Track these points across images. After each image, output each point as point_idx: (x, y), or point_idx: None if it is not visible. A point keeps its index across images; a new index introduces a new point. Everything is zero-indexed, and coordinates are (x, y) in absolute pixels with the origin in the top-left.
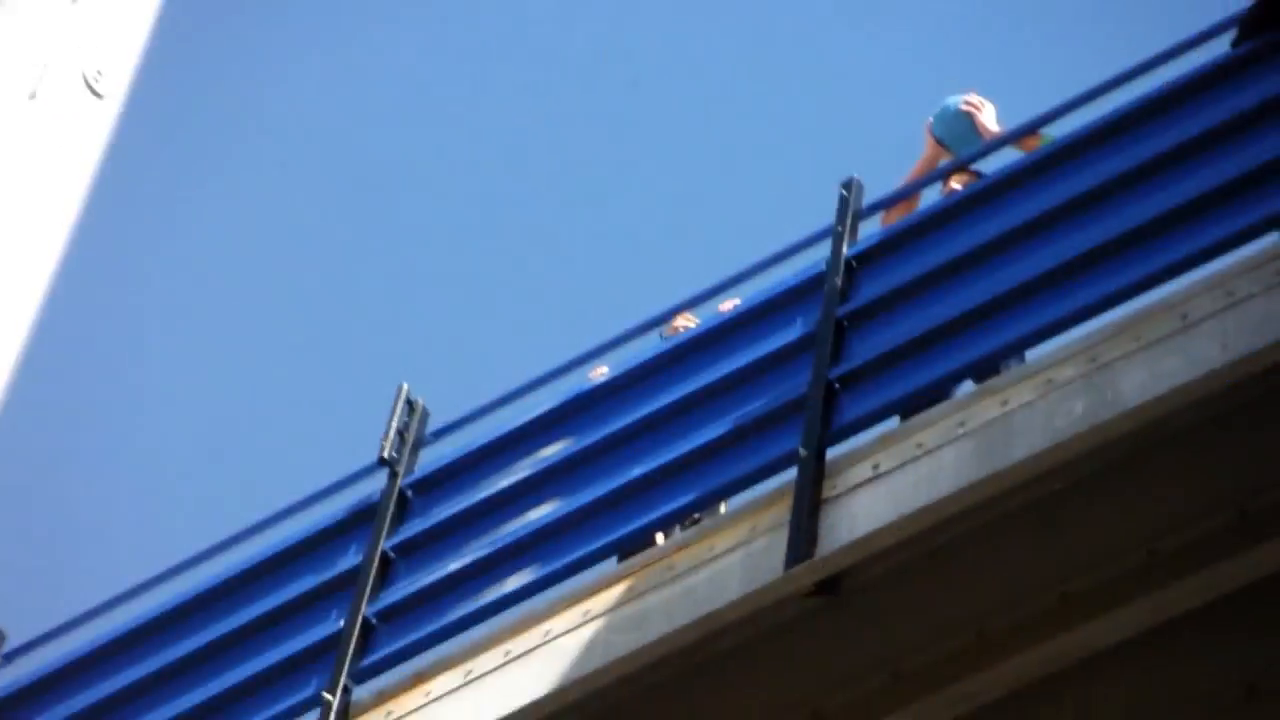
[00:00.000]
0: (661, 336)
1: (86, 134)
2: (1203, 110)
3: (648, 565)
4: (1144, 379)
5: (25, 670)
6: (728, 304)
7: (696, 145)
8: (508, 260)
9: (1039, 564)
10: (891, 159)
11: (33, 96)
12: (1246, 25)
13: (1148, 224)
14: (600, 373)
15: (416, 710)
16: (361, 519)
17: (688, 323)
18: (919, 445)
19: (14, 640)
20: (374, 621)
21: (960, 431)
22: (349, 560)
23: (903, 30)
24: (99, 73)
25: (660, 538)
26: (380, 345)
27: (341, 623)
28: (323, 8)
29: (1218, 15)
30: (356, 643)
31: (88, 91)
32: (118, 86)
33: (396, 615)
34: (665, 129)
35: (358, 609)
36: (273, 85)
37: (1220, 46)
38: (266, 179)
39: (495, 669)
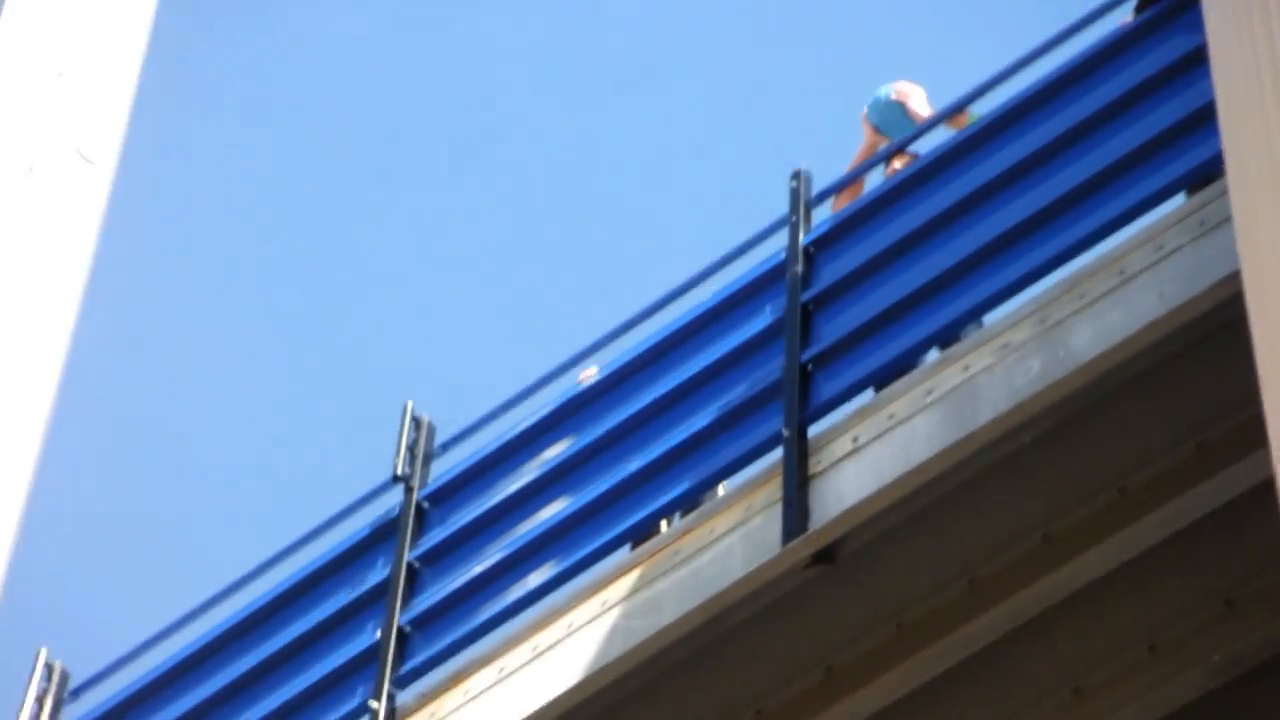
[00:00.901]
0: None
1: (83, 202)
2: (1116, 76)
3: (656, 552)
4: (1091, 334)
5: (90, 705)
6: (588, 372)
7: (661, 148)
8: (494, 271)
9: (1017, 513)
10: (832, 151)
11: (30, 171)
12: None
13: (1079, 186)
14: (590, 373)
15: (457, 709)
16: (383, 534)
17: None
18: (891, 416)
19: (78, 678)
20: (408, 629)
21: (929, 399)
22: (377, 575)
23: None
24: (88, 141)
25: (664, 524)
26: (376, 363)
27: (378, 634)
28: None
29: None
30: (394, 651)
31: (80, 160)
32: (108, 152)
33: (428, 621)
34: (647, 139)
35: (392, 619)
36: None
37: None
38: (259, 205)
39: (526, 664)
